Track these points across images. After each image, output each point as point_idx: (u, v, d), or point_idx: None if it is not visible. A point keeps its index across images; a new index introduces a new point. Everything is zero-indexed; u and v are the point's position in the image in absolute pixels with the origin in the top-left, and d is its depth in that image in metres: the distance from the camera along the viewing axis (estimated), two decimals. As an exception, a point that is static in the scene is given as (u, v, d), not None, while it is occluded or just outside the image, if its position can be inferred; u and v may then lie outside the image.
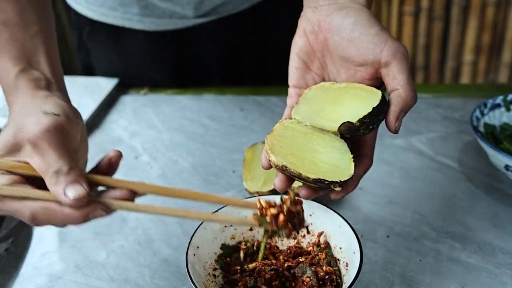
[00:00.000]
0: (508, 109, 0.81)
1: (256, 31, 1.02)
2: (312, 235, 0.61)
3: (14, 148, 0.49)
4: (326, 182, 0.49)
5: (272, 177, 0.74)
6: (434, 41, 2.09)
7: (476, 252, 0.65)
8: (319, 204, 0.59)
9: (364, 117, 0.50)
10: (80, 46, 1.08)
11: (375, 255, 0.65)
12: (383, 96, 0.51)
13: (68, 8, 1.06)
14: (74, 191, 0.46)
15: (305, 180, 0.49)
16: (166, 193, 0.52)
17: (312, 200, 0.60)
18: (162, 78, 1.06)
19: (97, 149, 0.90)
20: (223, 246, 0.60)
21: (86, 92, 1.02)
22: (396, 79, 0.51)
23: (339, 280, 0.55)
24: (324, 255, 0.57)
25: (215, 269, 0.58)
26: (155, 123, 0.96)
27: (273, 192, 0.72)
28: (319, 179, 0.48)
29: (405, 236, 0.68)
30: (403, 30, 2.08)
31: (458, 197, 0.74)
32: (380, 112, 0.50)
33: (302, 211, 0.51)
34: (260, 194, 0.72)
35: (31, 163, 0.48)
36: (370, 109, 0.50)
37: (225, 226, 0.61)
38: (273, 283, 0.55)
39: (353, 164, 0.50)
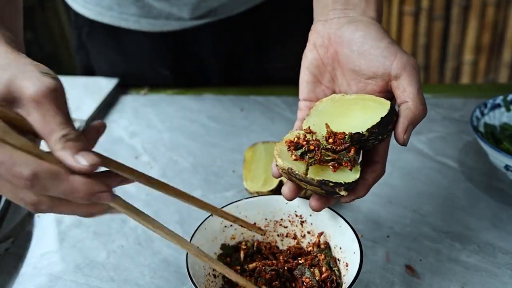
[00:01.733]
0: (508, 109, 0.81)
1: (254, 32, 1.01)
2: (312, 235, 0.61)
3: (7, 99, 0.44)
4: (331, 184, 0.49)
5: (272, 177, 0.74)
6: (434, 41, 2.09)
7: (476, 252, 0.65)
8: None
9: (373, 127, 0.50)
10: (79, 46, 1.08)
11: (375, 255, 0.65)
12: (392, 107, 0.51)
13: (68, 8, 1.06)
14: (87, 157, 0.42)
15: (309, 183, 0.50)
16: (162, 189, 0.52)
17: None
18: (162, 78, 1.06)
19: (97, 149, 0.90)
20: (223, 246, 0.60)
21: (86, 92, 1.02)
22: (406, 92, 0.52)
23: (339, 281, 0.55)
24: (323, 256, 0.57)
25: (215, 269, 0.58)
26: (155, 123, 0.96)
27: (273, 192, 0.72)
28: (323, 180, 0.49)
29: (405, 236, 0.68)
30: (403, 30, 2.08)
31: (458, 197, 0.74)
32: (388, 122, 0.51)
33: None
34: (260, 194, 0.72)
35: (30, 120, 0.43)
36: (378, 119, 0.50)
37: (225, 226, 0.61)
38: (273, 283, 0.55)
39: (359, 169, 0.51)
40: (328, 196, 0.52)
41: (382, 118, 0.50)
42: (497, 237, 0.67)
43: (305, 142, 0.52)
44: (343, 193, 0.50)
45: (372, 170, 0.53)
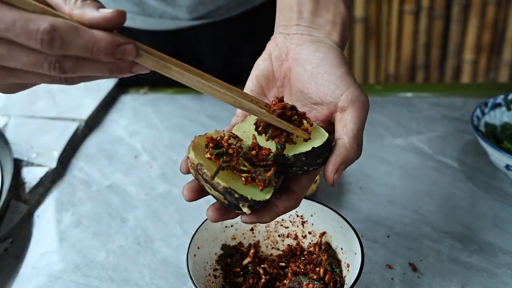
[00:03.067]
0: (508, 109, 0.81)
1: (253, 33, 1.01)
2: (313, 235, 0.60)
3: None
4: (236, 196, 0.44)
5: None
6: (435, 40, 2.08)
7: (477, 252, 0.65)
8: (321, 205, 0.59)
9: (301, 154, 0.46)
10: None
11: (375, 255, 0.65)
12: (328, 141, 0.47)
13: None
14: (109, 9, 0.38)
15: (214, 187, 0.44)
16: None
17: (313, 200, 0.60)
18: (161, 77, 1.06)
19: (97, 149, 0.90)
20: (224, 247, 0.60)
21: (86, 91, 1.02)
22: (346, 128, 0.48)
23: (342, 281, 0.55)
24: (326, 256, 0.57)
25: (215, 269, 0.58)
26: (155, 122, 0.96)
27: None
28: (229, 189, 0.43)
29: (406, 236, 0.68)
30: (404, 28, 2.08)
31: (459, 196, 0.74)
32: (319, 155, 0.47)
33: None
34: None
35: None
36: (309, 148, 0.46)
37: (226, 227, 0.61)
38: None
39: (272, 191, 0.46)
40: (228, 210, 0.46)
41: (313, 148, 0.46)
42: (497, 237, 0.66)
43: (226, 144, 0.47)
44: (245, 210, 0.44)
45: (286, 199, 0.47)
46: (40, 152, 0.85)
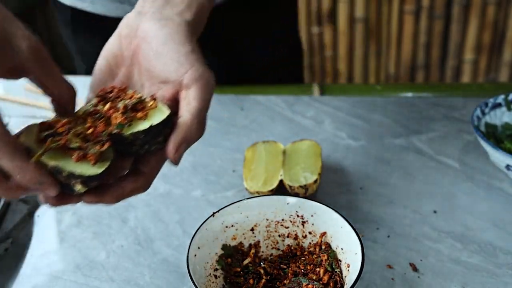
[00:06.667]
0: (509, 109, 0.81)
1: (250, 23, 1.01)
2: (314, 235, 0.60)
3: None
4: (64, 174, 0.42)
5: (272, 176, 0.74)
6: (435, 39, 2.08)
7: (477, 252, 0.65)
8: (321, 205, 0.59)
9: (138, 132, 0.46)
10: (77, 51, 1.08)
11: (375, 255, 0.65)
12: (168, 118, 0.47)
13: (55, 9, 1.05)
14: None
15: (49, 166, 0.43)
16: None
17: (313, 200, 0.60)
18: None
19: (97, 149, 0.90)
20: (224, 247, 0.60)
21: (86, 91, 1.02)
22: (189, 105, 0.48)
23: (342, 281, 0.55)
24: (326, 256, 0.57)
25: (216, 269, 0.58)
26: (155, 122, 0.96)
27: (274, 192, 0.72)
28: (57, 167, 0.43)
29: (406, 236, 0.68)
30: (404, 28, 2.08)
31: (459, 197, 0.74)
32: (159, 133, 0.47)
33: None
34: (260, 194, 0.71)
35: None
36: (147, 126, 0.46)
37: (226, 227, 0.61)
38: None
39: (106, 166, 0.45)
40: (67, 195, 0.45)
41: (151, 126, 0.46)
42: (498, 237, 0.66)
43: (60, 125, 0.46)
44: (79, 188, 0.43)
45: (134, 180, 0.48)
46: (40, 152, 0.85)
